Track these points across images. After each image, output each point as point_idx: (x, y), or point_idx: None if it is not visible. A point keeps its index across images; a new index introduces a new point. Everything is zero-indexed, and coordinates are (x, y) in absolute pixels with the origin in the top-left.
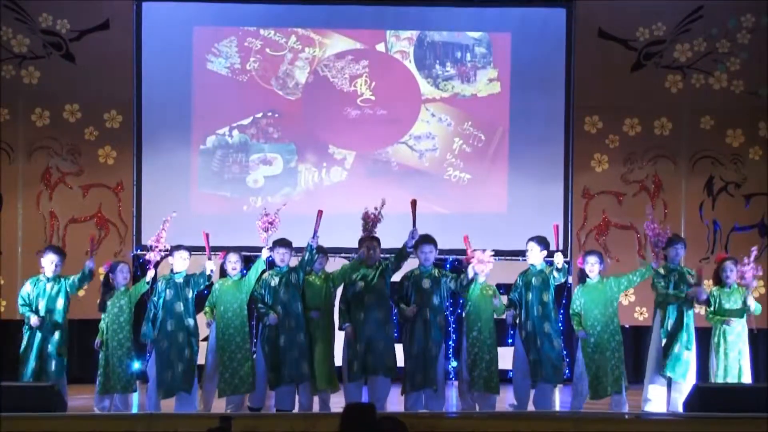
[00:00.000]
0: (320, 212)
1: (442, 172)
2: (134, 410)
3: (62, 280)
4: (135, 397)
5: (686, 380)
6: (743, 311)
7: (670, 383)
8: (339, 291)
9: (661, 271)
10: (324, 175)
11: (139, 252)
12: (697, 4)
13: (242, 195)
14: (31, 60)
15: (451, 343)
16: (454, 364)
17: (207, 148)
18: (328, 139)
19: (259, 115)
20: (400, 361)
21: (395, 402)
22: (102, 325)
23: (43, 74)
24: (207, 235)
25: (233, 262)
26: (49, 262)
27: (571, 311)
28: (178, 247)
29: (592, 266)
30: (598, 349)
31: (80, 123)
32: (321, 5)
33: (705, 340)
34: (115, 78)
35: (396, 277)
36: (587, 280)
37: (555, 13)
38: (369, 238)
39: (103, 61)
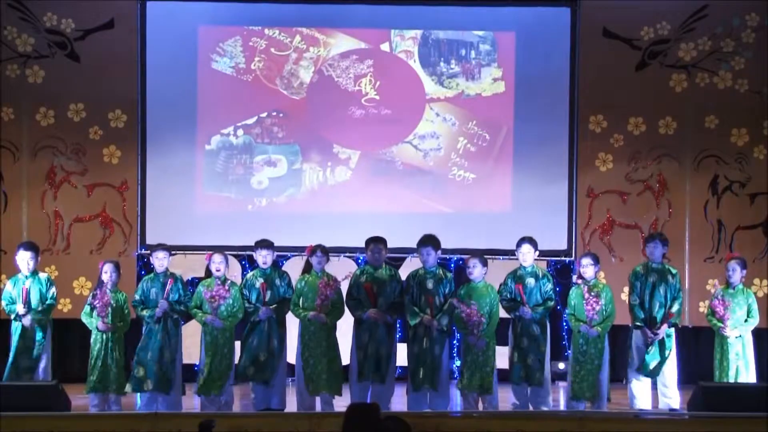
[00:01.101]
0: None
1: (447, 171)
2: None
3: (38, 276)
4: (138, 397)
5: (670, 385)
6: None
7: (654, 382)
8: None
9: (640, 269)
10: (328, 174)
11: (143, 251)
12: (701, 4)
13: (247, 196)
14: (36, 59)
15: (455, 342)
16: (458, 363)
17: (211, 149)
18: (332, 139)
19: (264, 114)
20: (404, 361)
21: (399, 402)
22: (87, 319)
23: (48, 73)
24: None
25: (217, 263)
26: (22, 260)
27: (567, 312)
28: (157, 248)
29: (585, 268)
30: (585, 352)
31: (85, 122)
32: (326, 5)
33: (708, 339)
34: (120, 77)
35: (401, 275)
36: (583, 281)
37: (559, 12)
38: (375, 240)
39: (107, 61)
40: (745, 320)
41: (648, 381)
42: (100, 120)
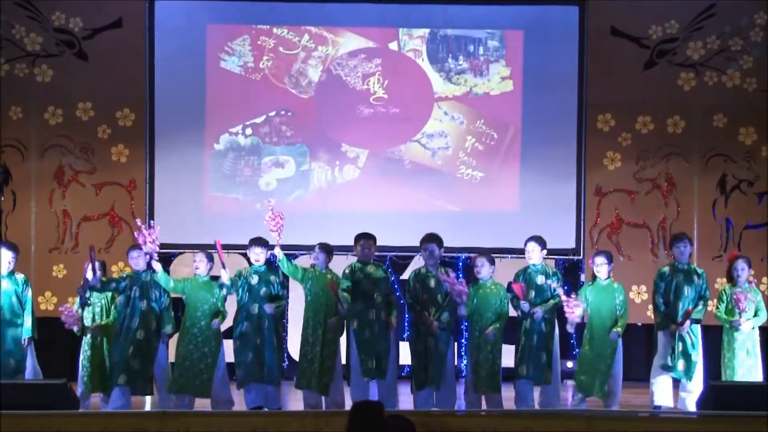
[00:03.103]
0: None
1: (455, 170)
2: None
3: (15, 277)
4: (148, 398)
5: (693, 380)
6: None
7: (677, 382)
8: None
9: (666, 270)
10: (337, 173)
11: None
12: (709, 2)
13: (254, 198)
14: (44, 58)
15: (463, 341)
16: (465, 362)
17: (219, 149)
18: (340, 138)
19: (272, 113)
20: (407, 359)
21: (406, 400)
22: (82, 313)
23: (56, 72)
24: (219, 243)
25: (197, 261)
26: (5, 260)
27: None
28: (131, 248)
29: (599, 267)
30: (595, 350)
31: (93, 121)
32: (334, 3)
33: (716, 339)
34: (128, 76)
35: (407, 275)
36: (596, 279)
37: (568, 11)
38: (364, 236)
39: (115, 60)
40: (755, 315)
41: (670, 379)
42: (109, 119)
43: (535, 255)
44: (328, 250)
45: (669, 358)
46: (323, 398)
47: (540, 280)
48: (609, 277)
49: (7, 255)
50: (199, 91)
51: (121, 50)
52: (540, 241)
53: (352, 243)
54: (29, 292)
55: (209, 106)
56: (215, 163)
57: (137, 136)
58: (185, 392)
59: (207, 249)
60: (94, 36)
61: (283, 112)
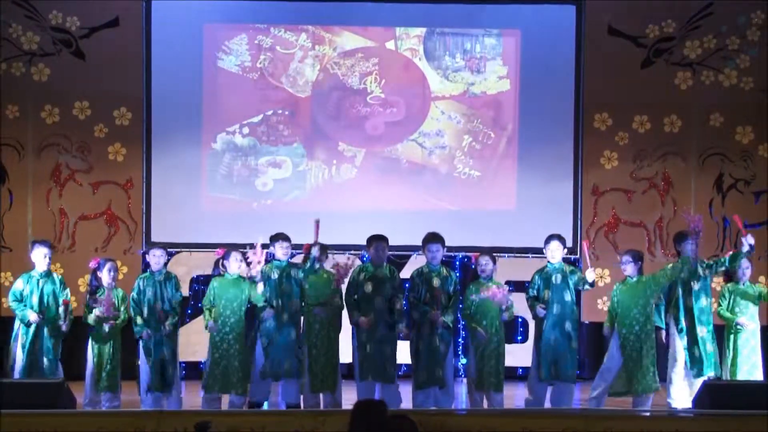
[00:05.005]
0: (317, 222)
1: (452, 169)
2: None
3: (54, 276)
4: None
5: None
6: (756, 298)
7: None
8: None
9: (678, 263)
10: (334, 172)
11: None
12: (706, 2)
13: (251, 198)
14: (41, 57)
15: (460, 340)
16: (463, 361)
17: (216, 149)
18: (338, 137)
19: (270, 112)
20: (407, 359)
21: (404, 399)
22: (90, 319)
23: (53, 71)
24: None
25: (238, 261)
26: (41, 255)
27: (609, 308)
28: (153, 246)
29: (624, 266)
30: (635, 347)
31: (90, 120)
32: (331, 3)
33: (718, 336)
34: (125, 75)
35: (405, 274)
36: (626, 278)
37: (565, 10)
38: (379, 238)
39: (113, 59)
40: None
41: (685, 383)
42: (106, 118)
43: (558, 254)
44: (327, 251)
45: (690, 363)
46: (321, 397)
47: (557, 279)
48: (639, 275)
49: (45, 251)
50: (196, 90)
51: (118, 49)
52: (562, 239)
53: (350, 242)
54: (67, 293)
55: (206, 105)
56: (212, 162)
57: (134, 135)
58: (225, 391)
59: (208, 248)
60: (91, 35)
61: (280, 111)
